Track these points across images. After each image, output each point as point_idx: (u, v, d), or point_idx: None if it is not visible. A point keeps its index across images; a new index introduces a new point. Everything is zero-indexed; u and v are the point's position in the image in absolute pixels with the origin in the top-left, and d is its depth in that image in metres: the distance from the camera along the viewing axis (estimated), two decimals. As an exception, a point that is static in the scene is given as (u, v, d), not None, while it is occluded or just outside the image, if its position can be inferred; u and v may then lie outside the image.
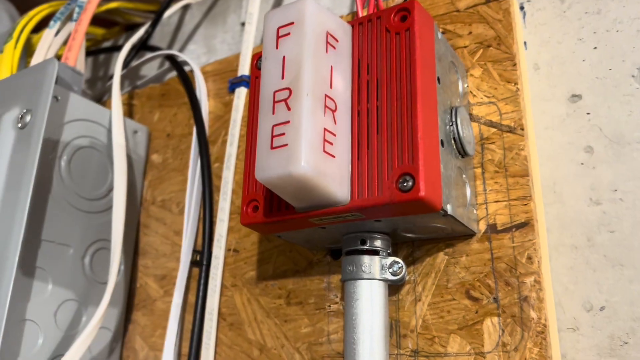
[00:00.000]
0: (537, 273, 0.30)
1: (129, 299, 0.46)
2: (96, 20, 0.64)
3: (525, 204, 0.32)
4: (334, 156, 0.28)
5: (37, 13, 0.58)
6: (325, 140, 0.27)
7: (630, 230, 0.32)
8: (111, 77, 0.63)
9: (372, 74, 0.30)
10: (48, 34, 0.52)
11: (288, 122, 0.27)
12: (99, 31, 0.68)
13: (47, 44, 0.51)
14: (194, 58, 0.56)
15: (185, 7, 0.60)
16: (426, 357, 0.32)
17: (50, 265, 0.41)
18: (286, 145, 0.26)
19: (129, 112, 0.55)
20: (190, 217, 0.44)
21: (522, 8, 0.40)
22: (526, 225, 0.31)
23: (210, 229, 0.43)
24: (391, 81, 0.29)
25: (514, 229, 0.32)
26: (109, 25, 0.68)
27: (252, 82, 0.34)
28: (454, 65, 0.34)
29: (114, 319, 0.45)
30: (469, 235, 0.33)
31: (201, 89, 0.49)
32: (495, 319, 0.31)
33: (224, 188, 0.43)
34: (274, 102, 0.28)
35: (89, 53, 0.64)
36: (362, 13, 0.36)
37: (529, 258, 0.31)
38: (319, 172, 0.27)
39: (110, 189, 0.46)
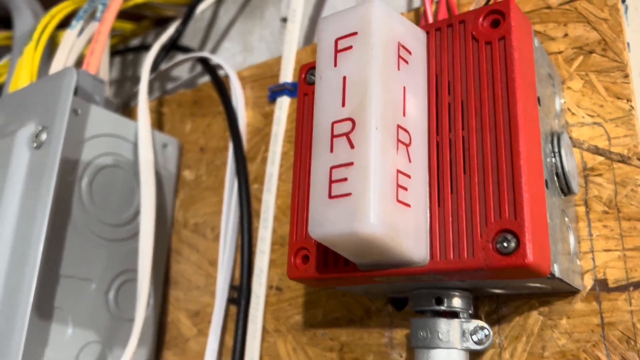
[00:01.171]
0: (665, 347, 0.24)
1: (159, 335, 0.41)
2: (124, 14, 0.58)
3: (647, 255, 0.25)
4: (409, 205, 0.22)
5: (59, 11, 0.53)
6: (398, 185, 0.21)
7: None
8: (139, 79, 0.58)
9: (456, 94, 0.23)
10: (69, 35, 0.47)
11: (351, 163, 0.21)
12: (127, 26, 0.63)
13: (68, 47, 0.46)
14: (229, 57, 0.50)
15: (219, 1, 0.54)
16: None
17: (70, 304, 0.36)
18: (349, 194, 0.20)
19: (158, 121, 0.49)
20: (226, 246, 0.39)
21: (623, 1, 0.32)
22: (649, 283, 0.25)
23: (249, 261, 0.37)
24: (482, 105, 0.23)
25: (631, 288, 0.25)
26: (137, 19, 0.63)
27: (300, 99, 0.28)
28: (551, 78, 0.27)
29: (143, 360, 0.40)
30: (571, 293, 0.26)
31: (238, 97, 0.43)
32: (610, 404, 0.24)
33: (265, 214, 0.37)
34: (332, 136, 0.21)
35: (116, 52, 0.59)
36: (430, 12, 0.29)
37: (654, 327, 0.24)
38: (392, 228, 0.20)
39: (137, 213, 0.41)
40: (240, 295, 0.37)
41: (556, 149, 0.25)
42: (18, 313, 0.33)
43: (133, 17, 0.63)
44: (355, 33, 0.22)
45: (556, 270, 0.22)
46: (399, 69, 0.22)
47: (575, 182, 0.26)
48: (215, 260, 0.40)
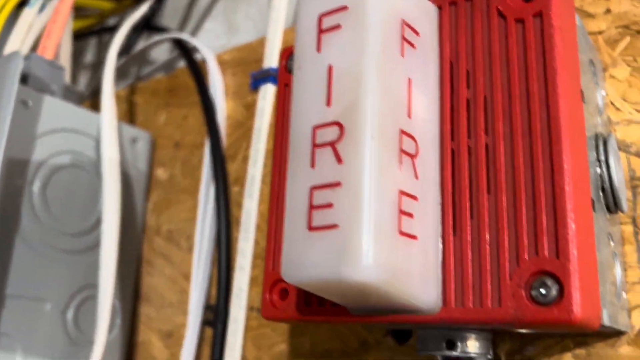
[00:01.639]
0: None
1: (129, 358, 0.36)
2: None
3: None
4: (415, 237, 0.16)
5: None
6: (401, 211, 0.16)
7: None
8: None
9: (477, 89, 0.18)
10: (27, 13, 0.41)
11: (338, 184, 0.15)
12: (106, 4, 0.57)
13: (25, 27, 0.41)
14: (212, 39, 0.44)
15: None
16: None
17: (19, 329, 0.31)
18: (336, 226, 0.15)
19: (129, 112, 0.44)
20: (201, 260, 0.34)
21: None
22: None
23: (227, 278, 0.32)
24: (511, 102, 0.17)
25: (694, 331, 0.20)
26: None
27: (280, 91, 0.23)
28: (592, 65, 0.22)
29: (107, 388, 0.35)
30: (615, 334, 0.21)
31: (216, 85, 0.37)
32: None
33: (245, 223, 0.32)
34: (314, 145, 0.16)
35: (92, 33, 0.53)
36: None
37: None
38: (393, 271, 0.15)
39: (99, 221, 0.36)
40: (216, 318, 0.32)
41: (602, 157, 0.19)
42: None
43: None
44: (345, 7, 0.17)
45: (605, 318, 0.17)
46: (402, 56, 0.17)
47: (624, 198, 0.20)
48: (189, 273, 0.35)
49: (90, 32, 0.54)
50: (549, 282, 0.15)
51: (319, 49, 0.17)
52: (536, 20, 0.17)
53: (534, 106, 0.17)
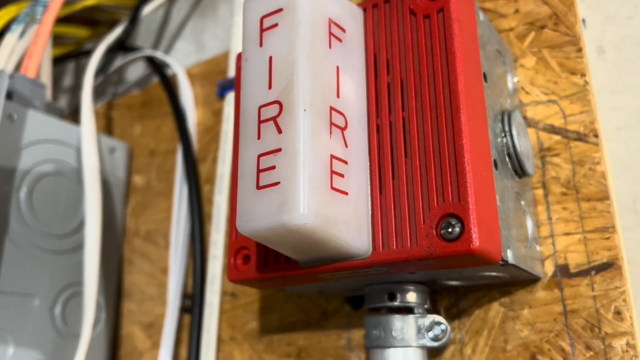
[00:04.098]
0: (630, 333, 0.22)
1: (114, 351, 0.39)
2: (78, 19, 0.56)
3: (608, 237, 0.24)
4: (346, 193, 0.20)
5: (3, 16, 0.50)
6: (332, 171, 0.19)
7: None
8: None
9: (395, 74, 0.22)
10: (9, 38, 0.45)
11: (279, 150, 0.19)
12: (83, 32, 0.61)
13: (7, 51, 0.44)
14: (183, 57, 0.48)
15: (171, 0, 0.52)
16: None
17: (10, 323, 0.34)
18: (278, 183, 0.19)
19: (107, 126, 0.47)
20: (178, 253, 0.37)
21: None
22: (611, 266, 0.23)
23: (201, 267, 0.35)
24: (421, 83, 0.21)
25: (593, 272, 0.23)
26: (93, 25, 0.61)
27: (237, 88, 0.27)
28: (501, 55, 0.26)
29: (94, 379, 0.37)
30: (532, 280, 0.25)
31: (186, 95, 0.41)
32: (576, 398, 0.23)
33: (217, 217, 0.35)
34: (259, 121, 0.20)
35: (71, 57, 0.57)
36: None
37: (618, 313, 0.23)
38: (326, 219, 0.19)
39: (83, 222, 0.39)
40: (193, 304, 0.35)
41: (507, 128, 0.23)
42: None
43: (87, 22, 0.61)
44: (281, 9, 0.20)
45: (510, 256, 0.21)
46: (330, 48, 0.21)
47: (530, 163, 0.24)
48: (167, 268, 0.38)
49: (69, 56, 0.57)
50: (454, 221, 0.19)
51: (261, 44, 0.20)
52: (439, 15, 0.21)
53: (439, 85, 0.21)
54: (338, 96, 0.20)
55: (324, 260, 0.21)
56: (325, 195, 0.19)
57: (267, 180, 0.19)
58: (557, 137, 0.26)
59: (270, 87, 0.20)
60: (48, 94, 0.41)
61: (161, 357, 0.35)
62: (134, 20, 0.47)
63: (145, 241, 0.40)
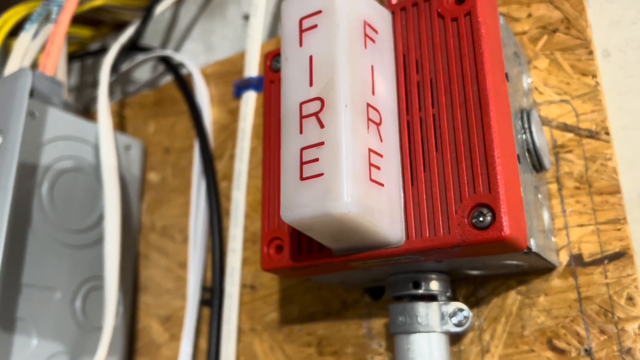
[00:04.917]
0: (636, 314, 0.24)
1: (130, 343, 0.40)
2: (81, 20, 0.57)
3: (619, 229, 0.25)
4: (382, 184, 0.21)
5: (12, 15, 0.51)
6: (370, 164, 0.21)
7: None
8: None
9: (424, 73, 0.23)
10: (23, 38, 0.45)
11: (322, 143, 0.20)
12: (86, 32, 0.61)
13: (22, 50, 0.45)
14: (192, 58, 0.49)
15: (180, 1, 0.53)
16: None
17: (33, 315, 0.35)
18: (321, 174, 0.20)
19: (120, 124, 0.48)
20: (197, 247, 0.38)
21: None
22: (623, 255, 0.25)
23: (220, 261, 0.36)
24: (451, 82, 0.22)
25: (606, 261, 0.25)
26: (96, 25, 0.61)
27: (267, 87, 0.28)
28: (517, 57, 0.27)
29: (113, 372, 0.38)
30: (548, 270, 0.26)
31: (202, 94, 0.42)
32: (592, 379, 0.24)
33: (235, 212, 0.37)
34: (301, 117, 0.21)
35: (75, 57, 0.57)
36: None
37: (630, 298, 0.24)
38: (366, 208, 0.20)
39: (101, 217, 0.39)
40: (213, 296, 0.36)
41: (526, 125, 0.24)
42: (-22, 325, 0.32)
43: (91, 22, 0.61)
44: (320, 11, 0.21)
45: (533, 245, 0.22)
46: (365, 48, 0.22)
47: (547, 158, 0.26)
48: (185, 262, 0.39)
49: (73, 56, 0.58)
50: (485, 211, 0.20)
51: (301, 44, 0.22)
52: (467, 19, 0.23)
53: (468, 83, 0.22)
54: (373, 93, 0.22)
55: (359, 248, 0.22)
56: (365, 186, 0.20)
57: (311, 171, 0.20)
58: (570, 135, 0.27)
59: (311, 85, 0.21)
60: (65, 91, 0.42)
61: (182, 348, 0.36)
62: (146, 19, 0.48)
63: (161, 236, 0.41)
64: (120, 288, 0.40)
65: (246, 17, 0.48)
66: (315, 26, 0.21)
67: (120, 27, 0.60)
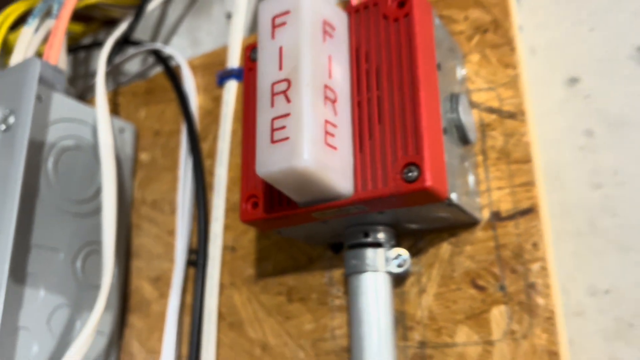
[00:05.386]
0: (543, 259, 0.30)
1: (124, 302, 0.45)
2: (74, 16, 0.61)
3: (529, 190, 0.31)
4: (336, 148, 0.27)
5: (13, 11, 0.56)
6: (326, 132, 0.26)
7: (634, 213, 0.32)
8: (93, 74, 0.61)
9: (371, 62, 0.29)
10: (26, 31, 0.50)
11: (288, 114, 0.26)
12: (78, 28, 0.66)
13: (25, 42, 0.50)
14: (179, 51, 0.54)
15: (168, 0, 0.58)
16: (434, 349, 0.32)
17: (41, 271, 0.40)
18: (287, 138, 0.26)
19: (114, 110, 0.53)
20: (184, 217, 0.43)
21: (515, -9, 0.39)
22: (531, 211, 0.31)
23: (205, 227, 0.42)
24: (391, 70, 0.28)
25: (518, 216, 0.31)
26: (87, 21, 0.66)
27: (246, 74, 0.33)
28: (452, 52, 0.33)
29: (109, 323, 0.43)
30: (472, 223, 0.32)
31: (189, 83, 0.47)
32: (503, 307, 0.30)
33: (218, 185, 0.42)
34: (273, 94, 0.27)
35: (69, 50, 0.62)
36: None
37: (535, 245, 0.30)
38: (322, 164, 0.26)
39: (99, 191, 0.45)
40: (198, 258, 0.41)
41: (455, 106, 0.30)
42: (-5, 277, 0.37)
43: (82, 18, 0.66)
44: (289, 11, 0.27)
45: (454, 197, 0.28)
46: (324, 41, 0.28)
47: (472, 134, 0.32)
48: (173, 230, 0.45)
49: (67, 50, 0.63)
50: (413, 168, 0.26)
51: (273, 37, 0.27)
52: (405, 19, 0.29)
53: (404, 71, 0.28)
54: (330, 77, 0.28)
55: (318, 200, 0.28)
56: (321, 148, 0.26)
57: (279, 136, 0.26)
58: (494, 116, 0.33)
59: (280, 69, 0.27)
60: (65, 79, 0.47)
61: (171, 303, 0.41)
62: (138, 16, 0.53)
63: (152, 209, 0.47)
64: (116, 253, 0.45)
65: (229, 16, 0.53)
66: (284, 23, 0.27)
67: (110, 23, 0.65)
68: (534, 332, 0.29)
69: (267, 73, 0.27)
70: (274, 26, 0.27)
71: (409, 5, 0.28)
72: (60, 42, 0.47)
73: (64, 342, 0.40)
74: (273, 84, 0.27)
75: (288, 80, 0.26)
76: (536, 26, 0.38)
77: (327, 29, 0.28)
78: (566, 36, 0.37)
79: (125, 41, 0.55)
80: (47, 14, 0.52)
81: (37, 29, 0.51)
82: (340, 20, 0.30)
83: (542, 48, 0.37)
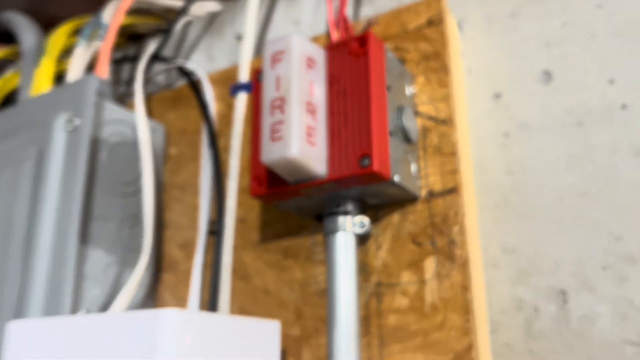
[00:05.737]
0: (461, 223, 0.43)
1: (158, 262, 0.58)
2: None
3: (453, 176, 0.44)
4: (314, 144, 0.40)
5: (65, 31, 0.69)
6: (308, 133, 0.39)
7: (533, 192, 0.45)
8: (125, 82, 0.74)
9: (340, 85, 0.42)
10: (79, 50, 0.64)
11: (282, 121, 0.39)
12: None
13: (78, 59, 0.63)
14: (198, 65, 0.67)
15: (189, 22, 0.71)
16: (386, 287, 0.45)
17: (99, 236, 0.53)
18: (282, 137, 0.38)
19: (148, 113, 0.66)
20: (205, 196, 0.56)
21: (460, 26, 0.52)
22: (454, 191, 0.44)
23: (221, 204, 0.55)
24: (353, 90, 0.41)
25: (445, 194, 0.44)
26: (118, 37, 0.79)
27: (255, 90, 0.46)
28: (402, 75, 0.46)
29: (148, 277, 0.56)
30: (414, 199, 0.45)
31: (208, 94, 0.60)
32: (433, 257, 0.43)
33: (232, 173, 0.55)
34: (272, 107, 0.40)
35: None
36: (334, 35, 0.48)
37: (455, 213, 0.43)
38: (305, 155, 0.39)
39: (139, 176, 0.58)
40: (217, 227, 0.54)
41: (400, 115, 0.43)
42: (69, 240, 0.50)
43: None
44: (283, 51, 0.40)
45: (396, 179, 0.41)
46: (307, 71, 0.41)
47: (414, 135, 0.44)
48: (196, 207, 0.58)
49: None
50: (366, 157, 0.39)
51: (272, 68, 0.40)
52: (364, 56, 0.41)
53: (362, 91, 0.41)
54: (311, 95, 0.40)
55: (303, 180, 0.41)
56: (305, 143, 0.39)
57: (276, 136, 0.39)
58: (432, 123, 0.46)
59: (277, 90, 0.40)
60: (111, 89, 0.60)
61: (195, 261, 0.54)
62: (167, 37, 0.66)
63: (180, 191, 0.60)
64: (153, 224, 0.58)
65: (238, 37, 0.66)
66: (280, 59, 0.40)
67: (134, 38, 0.78)
68: (453, 274, 0.42)
69: (268, 92, 0.40)
70: (273, 60, 0.40)
71: (366, 45, 0.41)
72: (107, 60, 0.61)
73: (115, 290, 0.54)
74: (272, 100, 0.40)
75: (282, 98, 0.39)
76: (473, 52, 0.51)
77: (309, 62, 0.41)
78: (493, 61, 0.50)
79: (155, 57, 0.68)
80: (94, 36, 0.65)
81: (86, 47, 0.64)
82: (319, 55, 0.42)
83: (475, 70, 0.50)
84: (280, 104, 0.39)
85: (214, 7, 0.70)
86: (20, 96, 0.67)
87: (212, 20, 0.70)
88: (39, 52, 0.68)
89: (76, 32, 0.69)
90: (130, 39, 0.79)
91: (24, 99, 0.64)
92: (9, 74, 0.78)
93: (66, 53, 0.68)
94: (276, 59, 0.40)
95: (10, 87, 0.76)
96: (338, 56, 0.43)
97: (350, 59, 0.42)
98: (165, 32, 0.67)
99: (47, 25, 0.74)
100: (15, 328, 0.38)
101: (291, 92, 0.39)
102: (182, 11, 0.68)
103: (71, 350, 0.35)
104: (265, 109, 0.40)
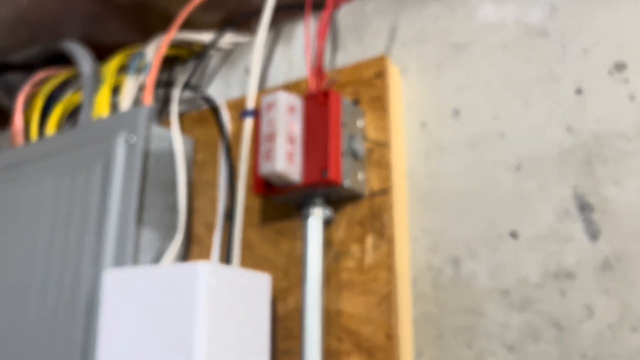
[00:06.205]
0: (389, 212, 0.66)
1: (188, 238, 0.82)
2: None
3: (387, 181, 0.67)
4: (293, 162, 0.63)
5: (117, 63, 0.92)
6: (288, 155, 0.62)
7: (443, 191, 0.68)
8: (161, 101, 0.96)
9: (311, 123, 0.65)
10: (129, 81, 0.87)
11: (273, 149, 0.62)
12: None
13: (128, 90, 0.86)
14: (215, 93, 0.90)
15: (210, 57, 0.94)
16: (341, 254, 0.68)
17: (149, 220, 0.76)
18: (272, 159, 0.61)
19: (180, 129, 0.89)
20: (222, 190, 0.79)
21: (403, 73, 0.74)
22: (386, 191, 0.66)
23: (233, 197, 0.78)
24: (320, 127, 0.64)
25: (381, 193, 0.67)
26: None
27: (258, 122, 0.69)
28: (355, 113, 0.69)
29: (181, 250, 0.80)
30: (361, 197, 0.68)
31: (225, 116, 0.83)
32: (371, 235, 0.66)
33: (241, 175, 0.78)
34: (267, 138, 0.62)
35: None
36: (311, 83, 0.71)
37: (386, 206, 0.66)
38: (286, 170, 0.62)
39: (175, 177, 0.81)
40: (231, 214, 0.77)
41: (351, 141, 0.66)
42: (129, 223, 0.73)
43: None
44: (274, 103, 0.63)
45: (346, 184, 0.64)
46: (289, 115, 0.63)
47: (361, 154, 0.67)
48: (215, 198, 0.81)
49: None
50: (325, 170, 0.62)
51: (268, 112, 0.63)
52: (327, 104, 0.64)
53: (326, 128, 0.63)
54: (292, 130, 0.63)
55: (287, 185, 0.64)
56: (286, 161, 0.62)
57: (268, 156, 0.62)
58: (374, 145, 0.69)
59: (269, 127, 0.62)
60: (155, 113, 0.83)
61: (215, 238, 0.77)
62: (196, 69, 0.89)
63: (204, 186, 0.83)
64: (185, 210, 0.81)
65: (247, 70, 0.89)
66: (271, 108, 0.63)
67: (165, 61, 1.00)
68: (382, 245, 0.65)
69: (263, 128, 0.63)
70: (267, 108, 0.63)
71: (328, 98, 0.64)
72: (151, 90, 0.84)
73: (159, 258, 0.77)
74: (266, 134, 0.62)
75: (272, 133, 0.62)
76: (410, 92, 0.73)
77: (290, 110, 0.64)
78: (423, 99, 0.72)
79: (185, 85, 0.91)
80: (140, 69, 0.88)
81: (134, 78, 0.87)
82: (299, 104, 0.65)
83: (411, 105, 0.73)
84: (271, 137, 0.62)
85: (232, 39, 0.93)
86: (83, 116, 0.90)
87: (227, 55, 0.92)
88: (96, 79, 0.91)
89: (124, 65, 0.92)
90: (162, 62, 1.02)
91: (87, 119, 0.87)
92: (70, 93, 1.01)
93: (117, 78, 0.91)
94: (269, 107, 0.63)
95: (74, 104, 0.99)
96: (310, 104, 0.65)
97: (318, 106, 0.65)
98: (192, 59, 0.90)
99: (98, 49, 0.97)
100: (110, 275, 0.62)
101: (278, 130, 0.62)
102: (211, 45, 0.90)
103: (146, 285, 0.58)
104: (262, 138, 0.63)
